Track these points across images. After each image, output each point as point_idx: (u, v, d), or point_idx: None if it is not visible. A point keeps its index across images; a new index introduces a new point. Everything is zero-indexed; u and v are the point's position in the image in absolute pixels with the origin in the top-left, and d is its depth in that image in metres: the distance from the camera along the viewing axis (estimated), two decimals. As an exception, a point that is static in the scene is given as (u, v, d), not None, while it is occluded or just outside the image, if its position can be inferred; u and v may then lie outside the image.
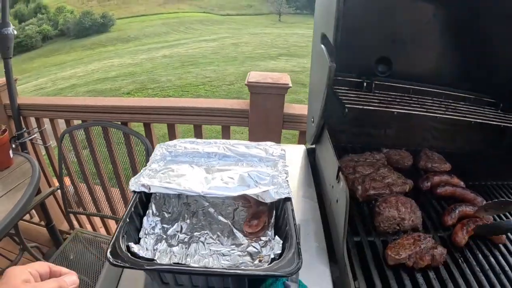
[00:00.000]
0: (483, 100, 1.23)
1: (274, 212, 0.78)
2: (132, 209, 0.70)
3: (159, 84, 10.61)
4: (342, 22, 0.73)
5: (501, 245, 0.84)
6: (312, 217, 0.88)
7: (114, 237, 0.60)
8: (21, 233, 1.83)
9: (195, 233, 0.76)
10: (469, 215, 0.88)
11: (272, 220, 0.76)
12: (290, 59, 14.09)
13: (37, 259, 1.95)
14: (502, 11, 1.06)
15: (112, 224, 2.53)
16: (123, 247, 0.59)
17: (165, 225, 0.76)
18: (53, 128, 2.21)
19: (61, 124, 2.17)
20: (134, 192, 0.75)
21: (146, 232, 0.72)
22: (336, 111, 0.91)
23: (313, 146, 1.15)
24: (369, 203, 0.88)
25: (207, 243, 0.73)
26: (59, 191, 2.07)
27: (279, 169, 0.86)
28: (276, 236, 0.67)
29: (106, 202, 2.28)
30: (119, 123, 1.89)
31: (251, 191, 0.75)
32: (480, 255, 0.78)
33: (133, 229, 0.69)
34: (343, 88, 1.02)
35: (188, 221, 0.79)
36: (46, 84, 13.05)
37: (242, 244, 0.72)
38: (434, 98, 1.15)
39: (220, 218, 0.81)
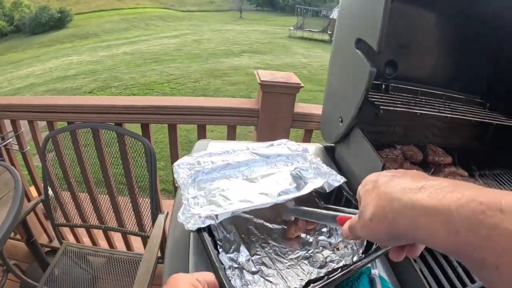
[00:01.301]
0: (473, 100, 1.37)
1: (322, 202, 0.81)
2: (216, 250, 0.60)
3: (122, 82, 10.19)
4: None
5: None
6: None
7: None
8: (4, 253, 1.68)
9: (265, 249, 0.71)
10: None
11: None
12: (253, 56, 14.14)
13: (21, 279, 1.81)
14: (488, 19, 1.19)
15: (97, 233, 2.41)
16: None
17: (230, 255, 0.68)
18: (32, 131, 2.05)
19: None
20: (199, 229, 0.63)
21: (224, 269, 0.63)
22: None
23: (332, 144, 1.21)
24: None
25: (283, 254, 0.70)
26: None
27: (312, 160, 0.89)
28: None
29: (93, 211, 2.16)
30: (113, 124, 1.80)
31: (316, 185, 0.76)
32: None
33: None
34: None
35: (248, 241, 0.73)
36: (2, 84, 12.05)
37: (311, 241, 0.74)
38: (437, 99, 1.26)
39: (271, 225, 0.78)
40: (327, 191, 0.77)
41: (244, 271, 0.64)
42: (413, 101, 1.10)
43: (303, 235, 0.76)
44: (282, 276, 0.65)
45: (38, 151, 1.99)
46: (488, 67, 1.36)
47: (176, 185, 0.80)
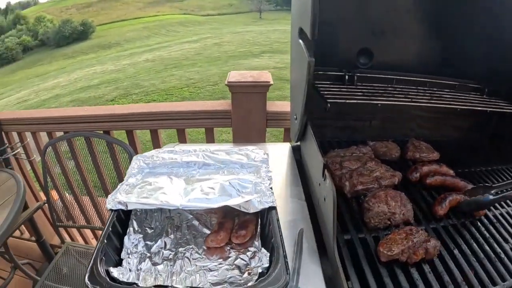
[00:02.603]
0: (468, 86, 1.23)
1: (259, 220, 0.75)
2: (110, 228, 0.66)
3: (143, 89, 10.49)
4: (320, 15, 0.70)
5: (495, 230, 0.83)
6: (301, 217, 0.86)
7: (92, 260, 0.57)
8: (11, 250, 1.78)
9: (180, 249, 0.72)
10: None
11: (258, 230, 0.73)
12: (273, 56, 14.09)
13: (30, 276, 1.89)
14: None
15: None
16: (102, 272, 0.55)
17: (148, 242, 0.72)
18: (35, 141, 2.16)
19: (44, 137, 2.12)
20: (112, 210, 0.71)
21: (129, 252, 0.68)
22: (319, 107, 0.89)
23: (298, 143, 1.12)
24: (358, 198, 0.86)
25: (193, 259, 0.70)
26: (47, 205, 2.02)
27: (262, 175, 0.83)
28: (263, 249, 0.65)
29: (95, 213, 2.23)
30: (101, 132, 1.84)
31: (232, 202, 0.71)
32: (474, 244, 0.77)
33: (113, 250, 0.65)
34: (324, 82, 1.00)
35: (172, 236, 0.75)
36: (29, 96, 12.82)
37: (230, 257, 0.69)
38: (419, 87, 1.13)
39: (205, 230, 0.77)
40: (250, 211, 0.71)
41: (147, 259, 0.68)
42: (380, 91, 1.00)
43: (227, 248, 0.71)
44: (172, 276, 0.65)
45: (41, 157, 2.06)
46: (486, 47, 1.19)
47: None
